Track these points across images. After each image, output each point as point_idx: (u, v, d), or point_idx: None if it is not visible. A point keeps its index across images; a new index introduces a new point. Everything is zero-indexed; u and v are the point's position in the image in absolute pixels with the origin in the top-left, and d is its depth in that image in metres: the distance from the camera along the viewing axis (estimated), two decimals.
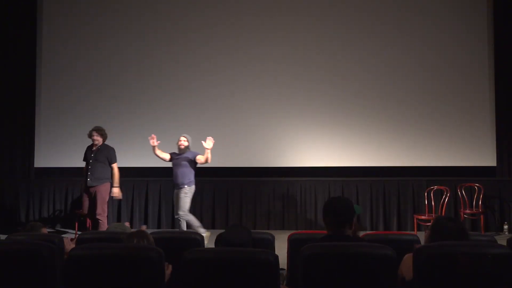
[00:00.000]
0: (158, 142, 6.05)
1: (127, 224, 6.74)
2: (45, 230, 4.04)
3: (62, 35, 7.86)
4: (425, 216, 6.51)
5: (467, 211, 6.69)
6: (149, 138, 6.05)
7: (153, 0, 7.71)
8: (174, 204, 6.30)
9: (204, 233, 5.86)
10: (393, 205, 7.11)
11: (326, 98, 7.36)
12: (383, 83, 7.30)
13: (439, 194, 6.69)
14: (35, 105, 7.82)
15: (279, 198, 7.31)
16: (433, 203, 6.64)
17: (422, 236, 3.12)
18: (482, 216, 6.61)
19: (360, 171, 7.24)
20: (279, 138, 7.39)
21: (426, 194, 6.76)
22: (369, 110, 7.28)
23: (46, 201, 7.65)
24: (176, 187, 6.05)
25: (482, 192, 6.67)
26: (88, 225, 6.34)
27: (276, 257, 2.38)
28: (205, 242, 4.14)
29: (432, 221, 2.82)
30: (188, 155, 6.04)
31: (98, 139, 6.16)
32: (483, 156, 7.09)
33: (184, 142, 6.06)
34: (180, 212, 5.96)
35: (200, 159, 5.97)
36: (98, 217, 6.02)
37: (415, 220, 6.60)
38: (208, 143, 5.86)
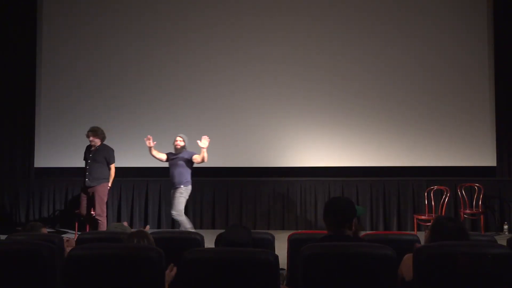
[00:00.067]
0: (154, 143, 6.06)
1: (125, 224, 6.73)
2: (45, 230, 4.03)
3: (62, 35, 7.86)
4: (425, 216, 6.51)
5: (467, 211, 6.69)
6: (145, 139, 6.06)
7: (153, 0, 7.71)
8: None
9: None
10: (393, 205, 7.11)
11: (326, 98, 7.36)
12: (383, 83, 7.30)
13: (439, 194, 6.69)
14: (35, 105, 7.82)
15: (279, 198, 7.31)
16: (433, 203, 6.64)
17: (422, 236, 3.12)
18: (482, 216, 6.61)
19: (360, 171, 7.24)
20: (279, 138, 7.39)
21: (426, 194, 6.76)
22: (369, 110, 7.28)
23: (46, 201, 7.65)
24: (173, 186, 6.05)
25: (482, 192, 6.67)
26: (92, 225, 6.33)
27: (276, 257, 2.38)
28: None
29: (432, 221, 2.82)
30: (184, 155, 6.04)
31: (94, 140, 6.13)
32: (483, 156, 7.09)
33: (180, 142, 6.06)
34: (173, 212, 5.96)
35: (196, 158, 5.97)
36: (97, 217, 6.02)
37: (415, 220, 6.61)
38: (204, 142, 5.85)
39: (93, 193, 6.06)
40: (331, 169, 7.27)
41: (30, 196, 7.66)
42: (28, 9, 7.84)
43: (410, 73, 7.27)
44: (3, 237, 3.57)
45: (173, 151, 6.13)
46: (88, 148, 6.25)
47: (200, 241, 3.22)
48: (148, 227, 6.98)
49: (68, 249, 3.16)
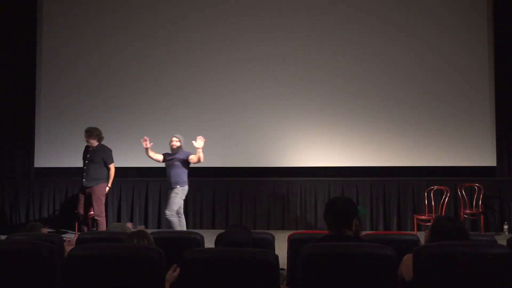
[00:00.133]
0: (151, 144, 6.06)
1: (129, 224, 6.74)
2: (45, 230, 4.03)
3: (62, 35, 7.86)
4: (425, 216, 6.51)
5: (467, 211, 6.69)
6: (142, 140, 6.06)
7: (153, 0, 7.71)
8: None
9: None
10: (393, 205, 7.11)
11: (326, 98, 7.36)
12: (383, 83, 7.30)
13: (439, 194, 6.69)
14: (35, 105, 7.82)
15: (279, 198, 7.31)
16: (433, 203, 6.64)
17: (422, 236, 3.12)
18: (482, 216, 6.62)
19: (360, 171, 7.24)
20: (279, 138, 7.39)
21: (426, 194, 6.76)
22: (369, 110, 7.28)
23: (46, 201, 7.65)
24: (169, 187, 6.06)
25: (482, 192, 6.67)
26: (88, 225, 6.33)
27: (276, 257, 2.38)
28: None
29: (432, 221, 2.82)
30: (180, 155, 6.04)
31: (90, 141, 6.11)
32: (483, 156, 7.09)
33: (176, 142, 6.06)
34: (167, 212, 5.97)
35: (192, 158, 5.97)
36: (96, 217, 6.02)
37: (415, 220, 6.60)
38: (199, 143, 5.85)
39: (90, 193, 6.05)
40: (331, 169, 7.27)
41: (30, 196, 7.66)
42: (28, 9, 7.84)
43: (410, 73, 7.27)
44: (3, 237, 3.57)
45: (169, 152, 6.14)
46: (87, 148, 6.24)
47: (200, 241, 3.22)
48: (142, 226, 6.97)
49: (68, 248, 3.16)
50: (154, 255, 2.38)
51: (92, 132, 6.10)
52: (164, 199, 7.36)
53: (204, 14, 7.59)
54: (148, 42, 7.66)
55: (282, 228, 7.15)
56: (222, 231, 2.91)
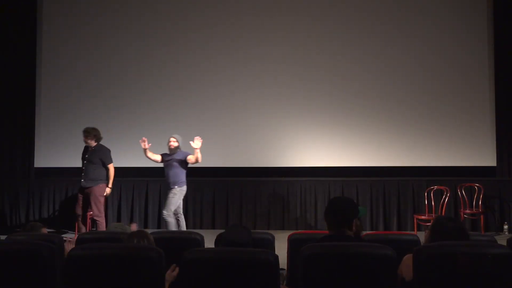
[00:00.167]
0: (149, 144, 6.07)
1: (134, 226, 6.73)
2: (45, 230, 4.04)
3: (62, 35, 7.86)
4: (425, 216, 6.51)
5: (467, 211, 6.69)
6: (140, 141, 6.06)
7: (153, 0, 7.71)
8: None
9: None
10: (393, 205, 7.11)
11: (326, 98, 7.36)
12: (383, 83, 7.30)
13: (439, 194, 6.69)
14: (35, 105, 7.82)
15: (279, 198, 7.31)
16: (433, 203, 6.64)
17: (422, 236, 3.12)
18: (482, 216, 6.62)
19: (360, 171, 7.24)
20: (279, 138, 7.38)
21: (426, 194, 6.76)
22: (369, 110, 7.28)
23: (46, 201, 7.65)
24: (167, 187, 6.07)
25: (482, 192, 6.67)
26: (87, 226, 6.32)
27: (276, 257, 2.38)
28: None
29: (432, 221, 2.82)
30: (178, 155, 6.04)
31: (88, 141, 6.09)
32: (483, 156, 7.09)
33: (173, 142, 6.06)
34: (164, 212, 5.98)
35: (190, 159, 5.98)
36: (94, 217, 6.00)
37: (415, 220, 6.60)
38: (196, 143, 5.86)
39: (89, 193, 6.04)
40: (331, 169, 7.27)
41: (30, 196, 7.66)
42: (28, 9, 7.84)
43: (410, 73, 7.27)
44: (3, 237, 3.57)
45: (168, 152, 6.14)
46: (86, 149, 6.22)
47: (200, 241, 3.22)
48: (134, 225, 6.95)
49: (68, 248, 3.16)
50: (154, 255, 2.38)
51: (89, 133, 6.07)
52: (164, 199, 7.36)
53: (204, 14, 7.59)
54: (148, 42, 7.66)
55: (282, 228, 7.15)
56: (222, 231, 2.91)
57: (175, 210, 6.04)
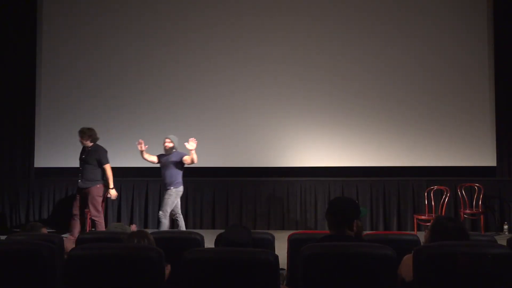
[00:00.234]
0: (146, 146, 6.07)
1: (134, 227, 6.73)
2: (45, 230, 4.04)
3: (62, 35, 7.86)
4: (425, 216, 6.51)
5: (467, 211, 6.69)
6: (137, 143, 6.06)
7: (153, 0, 7.71)
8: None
9: None
10: (393, 205, 7.11)
11: (326, 98, 7.36)
12: (383, 83, 7.30)
13: (439, 194, 6.70)
14: (35, 105, 7.82)
15: (279, 198, 7.31)
16: (433, 203, 6.64)
17: (422, 236, 3.12)
18: (482, 216, 6.62)
19: (360, 171, 7.24)
20: (279, 138, 7.39)
21: (426, 194, 6.76)
22: (369, 110, 7.28)
23: (46, 201, 7.64)
24: (164, 187, 6.08)
25: (482, 192, 6.67)
26: (85, 226, 6.31)
27: (276, 257, 2.38)
28: None
29: (432, 221, 2.82)
30: (174, 156, 6.05)
31: (83, 142, 6.04)
32: (483, 156, 7.09)
33: (168, 143, 6.07)
34: (160, 212, 5.98)
35: (186, 159, 5.99)
36: (93, 218, 5.98)
37: (415, 220, 6.60)
38: (191, 145, 5.86)
39: (86, 194, 6.02)
40: (331, 169, 7.27)
41: (30, 196, 7.66)
42: (28, 9, 7.83)
43: (410, 73, 7.27)
44: (3, 237, 3.57)
45: (163, 153, 6.15)
46: (83, 149, 6.19)
47: (200, 241, 3.22)
48: (133, 226, 6.96)
49: (68, 245, 3.16)
50: (154, 255, 2.38)
51: (84, 133, 6.01)
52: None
53: (204, 14, 7.59)
54: (148, 42, 7.66)
55: (282, 228, 7.15)
56: (222, 231, 2.91)
57: (173, 211, 6.04)
